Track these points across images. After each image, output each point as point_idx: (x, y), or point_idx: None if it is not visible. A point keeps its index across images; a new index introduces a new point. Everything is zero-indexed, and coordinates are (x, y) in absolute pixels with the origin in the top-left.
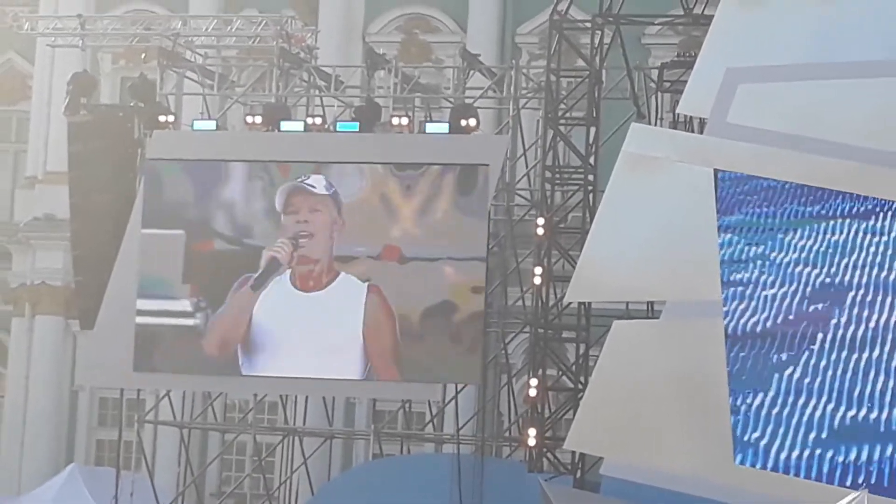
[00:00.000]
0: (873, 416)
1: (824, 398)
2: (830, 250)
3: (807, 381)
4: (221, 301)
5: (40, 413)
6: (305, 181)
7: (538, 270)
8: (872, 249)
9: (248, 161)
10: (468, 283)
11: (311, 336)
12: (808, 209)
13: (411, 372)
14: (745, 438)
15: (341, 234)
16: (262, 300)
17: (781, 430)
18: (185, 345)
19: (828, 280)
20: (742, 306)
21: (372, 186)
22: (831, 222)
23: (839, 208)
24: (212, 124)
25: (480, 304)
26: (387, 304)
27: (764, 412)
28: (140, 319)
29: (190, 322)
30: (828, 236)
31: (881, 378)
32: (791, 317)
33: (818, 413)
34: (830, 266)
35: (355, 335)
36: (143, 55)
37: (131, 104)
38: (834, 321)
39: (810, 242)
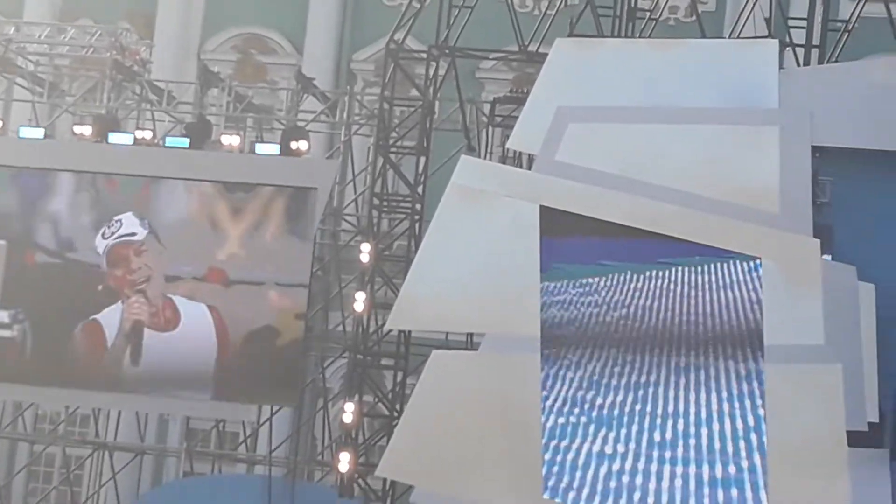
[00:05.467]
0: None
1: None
2: (632, 294)
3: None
4: (41, 316)
5: None
6: (119, 232)
7: (360, 296)
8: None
9: (74, 171)
10: (292, 309)
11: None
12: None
13: (227, 392)
14: (550, 469)
15: (167, 255)
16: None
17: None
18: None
19: (625, 324)
20: (558, 342)
21: (200, 206)
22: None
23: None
24: (40, 132)
25: (302, 330)
26: (223, 323)
27: (570, 456)
28: None
29: (6, 334)
30: (632, 284)
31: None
32: (598, 357)
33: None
34: (629, 309)
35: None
36: None
37: None
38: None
39: (613, 292)
